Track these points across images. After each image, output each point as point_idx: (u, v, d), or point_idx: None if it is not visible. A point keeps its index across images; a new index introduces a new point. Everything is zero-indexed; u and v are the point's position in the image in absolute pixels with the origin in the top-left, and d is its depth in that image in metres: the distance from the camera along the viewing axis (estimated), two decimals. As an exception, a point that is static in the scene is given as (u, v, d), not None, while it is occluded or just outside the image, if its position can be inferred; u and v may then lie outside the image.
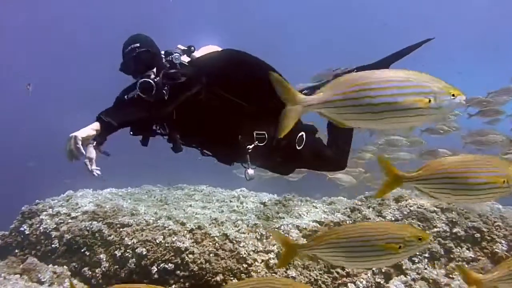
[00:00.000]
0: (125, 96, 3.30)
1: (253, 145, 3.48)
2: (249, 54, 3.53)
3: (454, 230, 4.97)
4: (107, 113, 2.98)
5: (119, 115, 3.03)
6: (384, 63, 4.07)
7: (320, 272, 4.74)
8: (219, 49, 3.68)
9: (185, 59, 3.43)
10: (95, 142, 3.07)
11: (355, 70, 4.22)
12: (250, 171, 3.57)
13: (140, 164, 15.72)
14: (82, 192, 6.16)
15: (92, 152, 3.15)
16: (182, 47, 3.46)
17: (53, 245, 5.00)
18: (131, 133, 3.43)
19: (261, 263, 4.72)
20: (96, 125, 2.89)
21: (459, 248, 4.86)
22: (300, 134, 3.68)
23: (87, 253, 4.93)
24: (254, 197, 7.05)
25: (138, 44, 3.27)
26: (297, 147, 3.67)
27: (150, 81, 3.18)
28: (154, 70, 3.27)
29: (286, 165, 4.00)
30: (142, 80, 3.18)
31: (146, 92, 3.17)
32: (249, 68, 3.45)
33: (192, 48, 3.48)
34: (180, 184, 7.63)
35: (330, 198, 6.81)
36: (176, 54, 3.34)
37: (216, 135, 3.49)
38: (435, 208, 5.31)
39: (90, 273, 4.80)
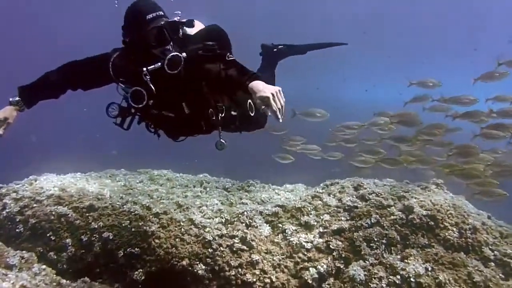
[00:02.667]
0: (144, 68, 3.23)
1: (220, 115, 3.64)
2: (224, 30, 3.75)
3: (410, 217, 5.21)
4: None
5: None
6: (304, 48, 5.03)
7: (283, 256, 4.90)
8: (202, 25, 3.76)
9: None
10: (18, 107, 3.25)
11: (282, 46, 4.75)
12: (223, 141, 3.77)
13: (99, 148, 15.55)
14: (45, 176, 6.09)
15: (13, 116, 3.18)
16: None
17: (17, 230, 4.95)
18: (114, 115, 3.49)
19: (226, 248, 4.84)
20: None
21: (414, 235, 5.11)
22: (249, 102, 3.97)
23: (53, 238, 4.90)
24: (217, 182, 7.17)
25: (162, 13, 3.24)
26: (250, 113, 3.98)
27: (180, 55, 3.21)
28: (171, 43, 3.27)
29: (241, 129, 4.30)
30: (174, 53, 3.19)
31: (174, 67, 3.20)
32: (225, 44, 3.67)
33: (194, 23, 3.46)
34: (141, 169, 7.64)
35: (292, 184, 6.99)
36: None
37: (197, 109, 3.61)
38: (392, 196, 5.55)
39: (55, 257, 4.79)
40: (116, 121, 3.61)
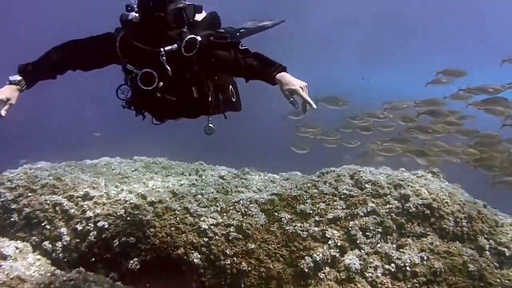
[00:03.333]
0: (161, 48, 3.22)
1: (210, 100, 3.68)
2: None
3: (406, 206, 5.20)
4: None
5: None
6: (257, 30, 5.21)
7: (279, 245, 4.89)
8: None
9: None
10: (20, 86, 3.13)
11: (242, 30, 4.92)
12: (211, 125, 3.85)
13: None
14: (40, 164, 6.06)
15: (15, 97, 3.11)
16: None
17: (12, 219, 4.93)
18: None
19: (221, 236, 4.83)
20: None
21: (410, 224, 5.11)
22: (230, 88, 4.06)
23: (48, 227, 4.89)
24: (212, 170, 7.13)
25: None
26: (232, 99, 4.07)
27: (197, 38, 3.25)
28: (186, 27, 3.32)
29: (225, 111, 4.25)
30: (191, 36, 3.23)
31: (190, 49, 3.24)
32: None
33: (202, 9, 3.50)
34: (136, 157, 7.60)
35: (288, 173, 6.97)
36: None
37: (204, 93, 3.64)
38: (389, 185, 5.53)
39: (50, 246, 4.78)
40: (124, 103, 3.56)
